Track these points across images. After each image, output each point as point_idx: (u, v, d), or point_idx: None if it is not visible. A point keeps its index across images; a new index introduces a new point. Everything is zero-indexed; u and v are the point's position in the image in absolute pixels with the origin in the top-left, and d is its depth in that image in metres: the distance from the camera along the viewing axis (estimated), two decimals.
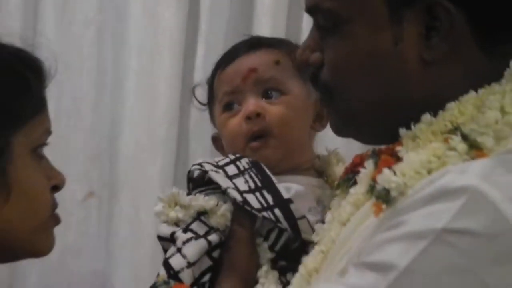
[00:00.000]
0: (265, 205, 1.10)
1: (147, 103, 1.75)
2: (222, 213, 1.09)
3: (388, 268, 0.70)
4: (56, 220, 0.96)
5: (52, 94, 1.17)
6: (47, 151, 0.97)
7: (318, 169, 1.15)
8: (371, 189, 0.79)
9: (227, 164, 1.15)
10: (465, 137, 0.75)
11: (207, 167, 1.14)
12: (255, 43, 1.14)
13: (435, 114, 0.78)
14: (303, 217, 1.01)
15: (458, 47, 0.78)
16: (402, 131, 0.79)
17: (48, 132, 0.94)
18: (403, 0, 0.77)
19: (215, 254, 1.11)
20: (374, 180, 0.77)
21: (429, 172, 0.75)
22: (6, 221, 0.89)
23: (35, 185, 0.92)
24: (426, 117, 0.78)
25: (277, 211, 1.08)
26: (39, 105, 0.93)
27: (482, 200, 0.69)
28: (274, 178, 1.11)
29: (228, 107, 1.15)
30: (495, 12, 0.78)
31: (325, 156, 1.15)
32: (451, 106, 0.78)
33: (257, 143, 1.12)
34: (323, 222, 0.94)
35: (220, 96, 1.16)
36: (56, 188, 0.95)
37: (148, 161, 1.74)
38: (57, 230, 1.00)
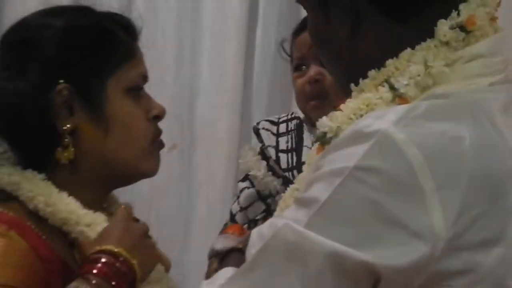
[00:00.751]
0: (290, 166, 1.26)
1: (218, 74, 2.04)
2: (265, 181, 1.29)
3: (313, 202, 0.75)
4: (160, 145, 0.99)
5: None
6: None
7: None
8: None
9: (283, 121, 1.35)
10: (391, 87, 0.80)
11: (262, 125, 1.37)
12: None
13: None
14: None
15: (364, 22, 0.85)
16: (352, 86, 0.84)
17: (142, 77, 0.99)
18: None
19: (269, 200, 1.28)
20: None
21: (359, 117, 0.80)
22: (110, 151, 0.95)
23: (131, 118, 0.96)
24: (371, 73, 0.83)
25: (295, 172, 1.23)
26: (128, 55, 0.97)
27: (388, 143, 0.73)
28: (307, 141, 1.28)
29: (298, 68, 1.34)
30: None
31: None
32: (389, 62, 0.82)
33: (315, 102, 1.28)
34: None
35: (293, 58, 1.36)
36: (157, 117, 0.99)
37: (218, 121, 2.03)
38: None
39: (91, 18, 0.98)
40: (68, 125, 0.92)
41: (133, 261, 0.85)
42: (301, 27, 1.32)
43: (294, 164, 1.23)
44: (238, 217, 1.32)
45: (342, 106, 0.83)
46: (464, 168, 0.75)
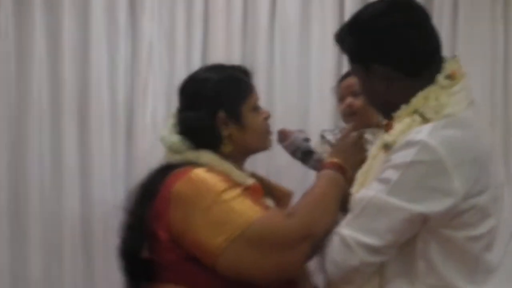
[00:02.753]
0: None
1: None
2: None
3: (388, 181, 1.43)
4: (270, 133, 1.75)
5: None
6: None
7: None
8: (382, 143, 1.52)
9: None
10: (420, 114, 1.47)
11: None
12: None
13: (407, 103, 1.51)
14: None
15: (395, 80, 1.51)
16: (394, 114, 1.51)
17: (257, 100, 1.73)
18: (364, 68, 1.55)
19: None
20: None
21: (405, 133, 1.45)
22: (248, 141, 1.68)
23: (255, 123, 1.70)
24: (403, 106, 1.50)
25: None
26: (249, 89, 1.72)
27: (426, 146, 1.40)
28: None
29: (341, 99, 2.14)
30: (403, 64, 1.51)
31: None
32: (413, 100, 1.49)
33: (348, 117, 2.08)
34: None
35: (339, 94, 2.15)
36: (266, 118, 1.73)
37: None
38: None
39: (228, 71, 1.71)
40: (226, 133, 1.65)
41: (347, 167, 1.64)
42: (343, 77, 2.16)
43: None
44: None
45: (394, 127, 1.48)
46: (468, 155, 1.42)
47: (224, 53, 2.69)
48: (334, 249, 1.48)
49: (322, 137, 2.02)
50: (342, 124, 2.19)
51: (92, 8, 2.65)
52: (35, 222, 2.64)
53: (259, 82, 2.65)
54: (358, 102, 2.03)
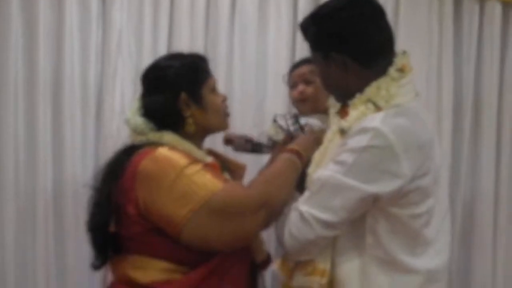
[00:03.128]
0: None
1: None
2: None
3: (344, 163, 1.56)
4: (227, 114, 1.88)
5: None
6: None
7: None
8: (338, 128, 1.65)
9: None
10: (373, 103, 1.61)
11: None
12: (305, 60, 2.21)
13: (361, 91, 1.64)
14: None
15: (351, 69, 1.65)
16: (349, 101, 1.65)
17: (214, 82, 1.84)
18: (323, 56, 1.68)
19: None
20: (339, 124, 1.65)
21: (359, 119, 1.58)
22: (208, 121, 1.80)
23: (215, 104, 1.82)
24: (358, 95, 1.63)
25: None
26: (207, 73, 1.84)
27: (379, 132, 1.53)
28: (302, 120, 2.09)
29: (293, 86, 2.24)
30: (362, 49, 1.65)
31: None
32: (367, 89, 1.63)
33: (300, 103, 2.19)
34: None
35: (291, 81, 2.25)
36: (224, 100, 1.86)
37: None
38: None
39: (188, 58, 1.82)
40: (188, 113, 1.76)
41: (304, 154, 1.77)
42: (295, 66, 2.28)
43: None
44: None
45: (349, 114, 1.60)
46: (415, 141, 1.55)
47: (188, 43, 2.81)
48: (293, 224, 1.59)
49: (274, 121, 2.08)
50: (294, 110, 2.31)
51: None
52: (9, 196, 2.73)
53: (220, 71, 2.82)
54: (309, 89, 2.13)
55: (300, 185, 1.70)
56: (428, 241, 1.64)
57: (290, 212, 1.63)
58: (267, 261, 1.86)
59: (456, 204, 2.96)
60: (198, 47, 2.79)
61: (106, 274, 2.67)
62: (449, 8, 2.98)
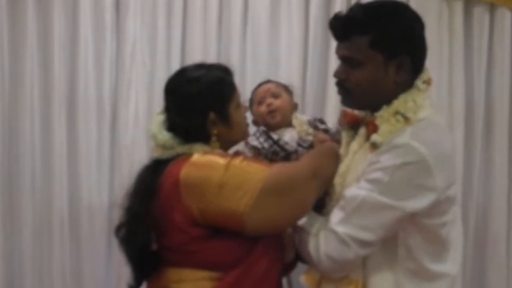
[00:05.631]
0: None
1: None
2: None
3: (379, 181, 1.54)
4: (248, 127, 1.92)
5: None
6: None
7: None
8: (366, 141, 1.63)
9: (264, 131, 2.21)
10: (402, 115, 1.59)
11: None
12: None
13: (388, 103, 1.61)
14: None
15: (403, 75, 1.62)
16: (377, 113, 1.62)
17: (239, 96, 1.83)
18: (390, 57, 1.59)
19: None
20: (367, 137, 1.63)
21: (391, 133, 1.57)
22: (233, 136, 1.81)
23: (239, 120, 1.83)
24: (385, 107, 1.61)
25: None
26: (233, 88, 1.82)
27: (410, 148, 1.52)
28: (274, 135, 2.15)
29: (260, 102, 2.27)
30: (419, 58, 1.64)
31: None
32: (395, 102, 1.61)
33: (270, 116, 2.21)
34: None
35: (254, 98, 2.31)
36: (246, 111, 1.90)
37: None
38: None
39: (214, 72, 1.78)
40: (215, 131, 1.75)
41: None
42: (258, 85, 2.32)
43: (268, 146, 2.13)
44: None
45: (379, 127, 1.59)
46: (444, 153, 1.56)
47: (201, 51, 2.84)
48: (330, 246, 1.59)
49: (246, 143, 2.14)
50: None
51: (81, 9, 2.78)
52: (26, 207, 2.76)
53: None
54: (277, 101, 2.18)
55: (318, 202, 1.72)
56: (450, 244, 1.66)
57: (321, 233, 1.63)
58: (293, 263, 1.87)
59: (469, 212, 2.97)
60: (210, 55, 2.82)
61: (119, 285, 2.75)
62: (459, 17, 3.00)
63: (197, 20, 2.89)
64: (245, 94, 2.85)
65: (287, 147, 2.03)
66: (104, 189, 2.85)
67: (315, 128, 2.09)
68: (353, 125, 1.79)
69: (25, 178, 2.75)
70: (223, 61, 2.78)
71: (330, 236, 1.60)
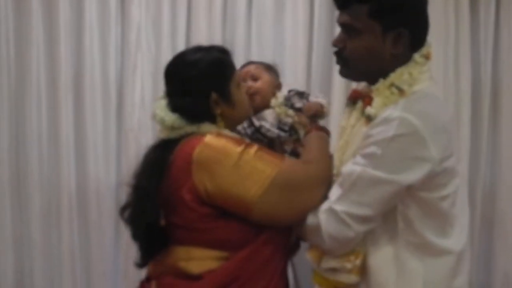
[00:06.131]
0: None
1: None
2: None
3: (373, 156, 1.54)
4: (251, 106, 1.93)
5: None
6: None
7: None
8: (362, 114, 1.63)
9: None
10: (396, 87, 1.60)
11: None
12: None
13: (385, 76, 1.61)
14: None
15: (401, 48, 1.61)
16: (374, 86, 1.63)
17: (239, 76, 1.87)
18: (387, 28, 1.59)
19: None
20: (363, 110, 1.63)
21: (385, 105, 1.58)
22: (236, 114, 1.82)
23: (241, 99, 1.85)
24: (381, 80, 1.62)
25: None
26: (233, 68, 1.84)
27: (403, 120, 1.52)
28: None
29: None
30: (418, 32, 1.63)
31: None
32: (391, 75, 1.61)
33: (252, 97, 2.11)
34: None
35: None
36: (248, 91, 1.97)
37: None
38: None
39: (213, 53, 1.79)
40: (218, 111, 1.77)
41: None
42: (242, 67, 2.21)
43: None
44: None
45: (374, 101, 1.60)
46: (438, 123, 1.54)
47: (206, 36, 2.85)
48: (330, 225, 1.59)
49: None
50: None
51: None
52: (35, 191, 2.81)
53: (238, 63, 2.83)
54: (257, 83, 2.14)
55: None
56: (455, 220, 1.65)
57: (321, 214, 1.62)
58: (296, 244, 1.89)
59: (476, 191, 2.94)
60: (216, 40, 2.81)
61: (127, 267, 2.76)
62: None
63: (202, 5, 2.90)
64: None
65: (268, 134, 2.03)
66: (111, 173, 2.89)
67: (291, 106, 2.07)
68: (354, 101, 1.78)
69: (32, 163, 2.80)
70: (228, 45, 2.83)
71: (330, 216, 1.61)
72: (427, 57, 1.66)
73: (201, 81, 1.74)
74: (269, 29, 2.95)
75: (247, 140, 1.81)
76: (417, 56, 1.64)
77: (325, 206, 1.62)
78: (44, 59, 2.81)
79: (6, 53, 2.77)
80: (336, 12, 1.72)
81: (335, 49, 1.70)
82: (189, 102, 1.73)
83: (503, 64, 2.97)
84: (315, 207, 1.65)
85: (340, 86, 2.87)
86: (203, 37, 2.86)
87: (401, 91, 1.58)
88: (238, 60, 2.81)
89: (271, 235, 1.69)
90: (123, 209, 1.74)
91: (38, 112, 2.80)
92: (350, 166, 1.60)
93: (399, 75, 1.61)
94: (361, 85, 1.83)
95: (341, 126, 1.80)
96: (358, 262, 1.63)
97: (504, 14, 2.97)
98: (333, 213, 1.59)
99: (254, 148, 1.66)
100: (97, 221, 2.85)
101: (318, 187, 1.67)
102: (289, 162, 1.69)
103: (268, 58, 2.88)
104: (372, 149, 1.54)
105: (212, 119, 1.77)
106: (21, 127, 2.81)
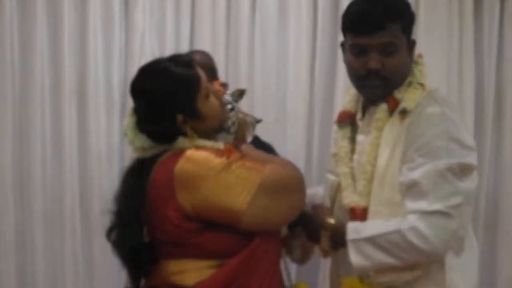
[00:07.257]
0: None
1: None
2: None
3: (437, 149, 1.63)
4: (225, 110, 1.82)
5: None
6: None
7: None
8: (391, 114, 1.73)
9: None
10: (417, 83, 1.76)
11: None
12: None
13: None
14: None
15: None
16: (396, 91, 1.74)
17: (205, 86, 1.69)
18: (409, 39, 1.75)
19: None
20: (391, 111, 1.73)
21: (414, 100, 1.71)
22: (207, 127, 1.70)
23: (211, 109, 1.70)
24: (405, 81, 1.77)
25: None
26: (197, 81, 1.67)
27: (446, 115, 1.67)
28: None
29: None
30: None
31: None
32: (410, 75, 1.77)
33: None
34: None
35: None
36: (219, 95, 1.80)
37: None
38: None
39: (172, 71, 1.65)
40: (187, 128, 1.66)
41: None
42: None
43: None
44: None
45: (404, 98, 1.72)
46: (462, 117, 1.82)
47: (209, 42, 2.86)
48: (432, 225, 1.61)
49: None
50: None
51: (90, 1, 2.83)
52: (38, 195, 2.82)
53: (241, 69, 2.89)
54: None
55: None
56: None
57: (418, 222, 1.63)
58: (285, 239, 1.89)
59: (479, 198, 2.94)
60: (219, 46, 2.85)
61: None
62: (469, 3, 2.96)
63: (206, 10, 2.92)
64: (254, 84, 2.92)
65: None
66: (114, 177, 2.86)
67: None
68: (351, 121, 1.90)
69: (36, 168, 2.82)
70: (231, 51, 2.86)
71: (430, 218, 1.63)
72: (420, 56, 1.81)
73: (164, 106, 1.66)
74: (273, 34, 2.96)
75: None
76: (415, 56, 1.79)
77: (413, 218, 1.64)
78: (48, 64, 2.83)
79: (11, 58, 2.80)
80: (339, 16, 1.75)
81: (363, 72, 1.75)
82: (155, 126, 1.66)
83: (507, 72, 2.99)
84: (302, 206, 1.71)
85: (343, 91, 2.86)
86: (206, 42, 2.88)
87: (422, 85, 1.74)
88: (242, 65, 2.89)
89: (262, 237, 1.67)
90: (108, 233, 1.72)
91: (42, 117, 2.82)
92: (418, 172, 1.65)
93: (414, 74, 1.76)
94: (348, 106, 1.92)
95: (344, 151, 1.88)
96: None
97: (508, 23, 2.99)
98: (432, 214, 1.62)
99: (236, 156, 1.64)
100: (100, 225, 2.82)
101: (300, 185, 1.70)
102: (271, 166, 1.67)
103: (271, 63, 2.93)
104: (435, 144, 1.64)
105: (184, 134, 1.69)
106: (25, 131, 2.83)
